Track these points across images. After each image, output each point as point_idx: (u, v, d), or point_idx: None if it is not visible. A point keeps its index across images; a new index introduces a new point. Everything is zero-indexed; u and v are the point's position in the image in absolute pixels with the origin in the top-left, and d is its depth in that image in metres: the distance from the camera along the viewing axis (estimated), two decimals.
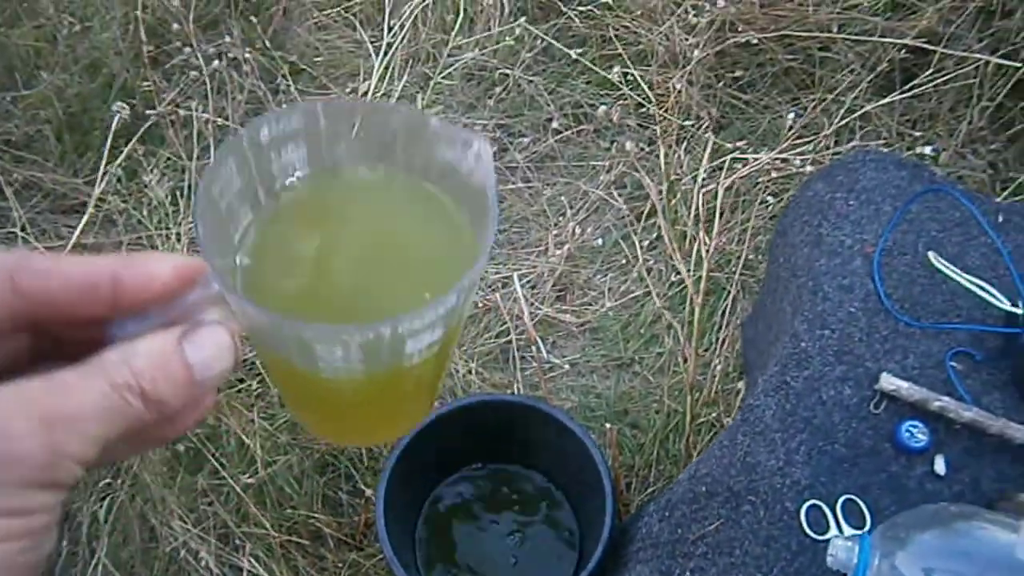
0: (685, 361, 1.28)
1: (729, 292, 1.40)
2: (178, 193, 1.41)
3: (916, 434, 0.80)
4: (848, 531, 0.77)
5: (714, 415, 1.27)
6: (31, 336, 0.28)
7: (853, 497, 0.79)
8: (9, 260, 0.27)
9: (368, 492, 1.17)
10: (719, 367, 1.29)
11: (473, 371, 1.30)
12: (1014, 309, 0.82)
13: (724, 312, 1.39)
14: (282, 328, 0.27)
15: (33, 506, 0.24)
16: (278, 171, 0.31)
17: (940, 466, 0.80)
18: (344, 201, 0.33)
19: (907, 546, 0.68)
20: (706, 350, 1.34)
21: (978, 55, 1.42)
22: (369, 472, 1.23)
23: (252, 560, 1.11)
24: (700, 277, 1.14)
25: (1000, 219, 0.97)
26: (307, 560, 1.15)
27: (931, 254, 0.90)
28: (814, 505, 0.79)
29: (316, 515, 1.16)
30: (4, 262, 0.27)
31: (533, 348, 1.26)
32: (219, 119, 1.51)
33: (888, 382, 0.82)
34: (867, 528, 0.77)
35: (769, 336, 1.13)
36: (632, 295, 1.40)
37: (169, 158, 1.50)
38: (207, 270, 0.27)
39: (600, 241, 1.45)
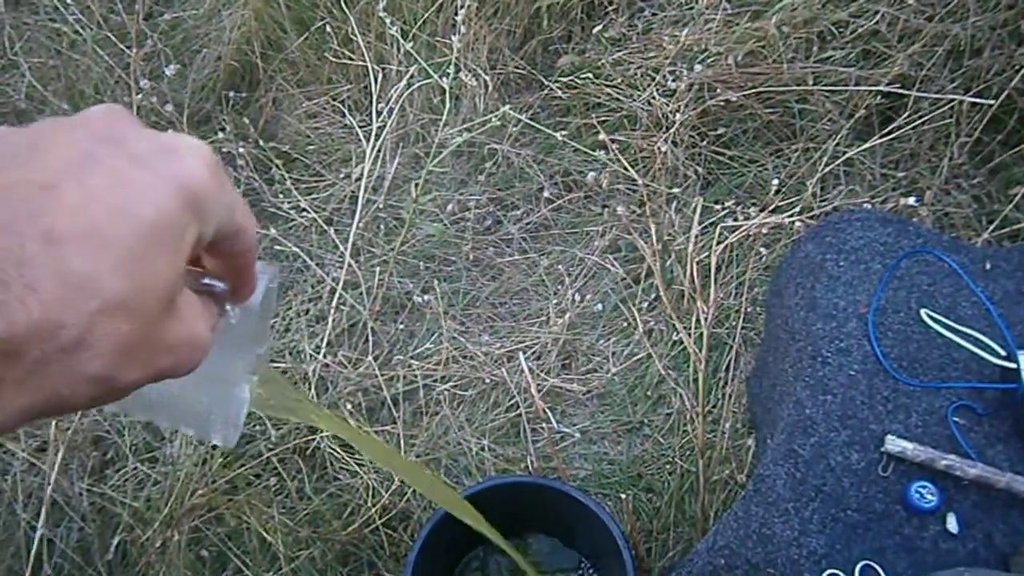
0: (693, 421, 1.30)
1: (731, 347, 1.42)
2: None
3: (926, 494, 0.81)
4: None
5: (727, 472, 1.29)
6: None
7: (870, 563, 0.80)
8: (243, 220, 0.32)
9: None
10: (728, 423, 1.30)
11: (486, 447, 1.32)
12: (1008, 364, 0.84)
13: (728, 367, 1.41)
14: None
15: None
16: None
17: (952, 524, 0.81)
18: None
19: None
20: (713, 407, 1.36)
21: (952, 95, 1.46)
22: (392, 559, 1.23)
23: None
24: (701, 335, 1.16)
25: (988, 267, 0.99)
26: None
27: (923, 312, 0.92)
28: (833, 574, 0.80)
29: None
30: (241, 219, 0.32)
31: (542, 420, 1.28)
32: None
33: (893, 444, 0.84)
34: None
35: (774, 395, 1.14)
36: (636, 358, 1.42)
37: None
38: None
39: (600, 306, 1.47)
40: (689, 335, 1.37)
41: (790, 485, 0.86)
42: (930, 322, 0.91)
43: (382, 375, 1.37)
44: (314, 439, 1.31)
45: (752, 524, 0.87)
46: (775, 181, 1.42)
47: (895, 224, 1.04)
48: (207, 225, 0.29)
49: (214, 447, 1.26)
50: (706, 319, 1.14)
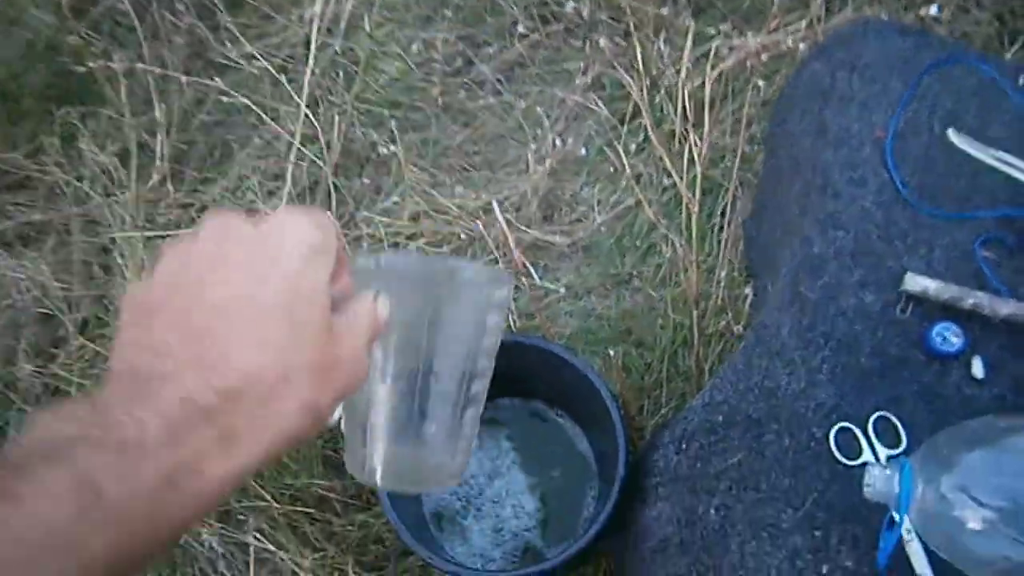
0: (686, 271, 1.20)
1: (727, 189, 1.31)
2: (121, 158, 1.31)
3: (949, 337, 0.72)
4: (883, 453, 0.70)
5: (723, 324, 1.20)
6: None
7: (885, 413, 0.72)
8: (339, 245, 0.36)
9: None
10: (723, 272, 1.21)
11: None
12: None
13: (724, 212, 1.30)
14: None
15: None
16: None
17: (978, 369, 0.72)
18: None
19: (953, 469, 0.61)
20: (708, 255, 1.26)
21: None
22: None
23: (257, 536, 1.06)
24: (695, 177, 1.04)
25: (1021, 82, 0.87)
26: (315, 527, 1.10)
27: (950, 131, 0.80)
28: (843, 428, 0.72)
29: (318, 480, 1.10)
30: (339, 245, 0.36)
31: (523, 275, 1.18)
32: (158, 68, 1.39)
33: (914, 283, 0.74)
34: (903, 448, 0.70)
35: (775, 237, 1.04)
36: (624, 205, 1.31)
37: (110, 118, 1.38)
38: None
39: (584, 151, 1.35)
40: (681, 178, 1.26)
41: (796, 332, 0.77)
42: (957, 143, 0.80)
43: (347, 234, 1.26)
44: None
45: (753, 376, 0.78)
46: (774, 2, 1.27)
47: (915, 35, 0.90)
48: (330, 263, 0.35)
49: None
50: (699, 155, 1.02)
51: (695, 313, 1.10)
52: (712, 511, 0.77)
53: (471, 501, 1.08)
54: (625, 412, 1.03)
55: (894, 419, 0.72)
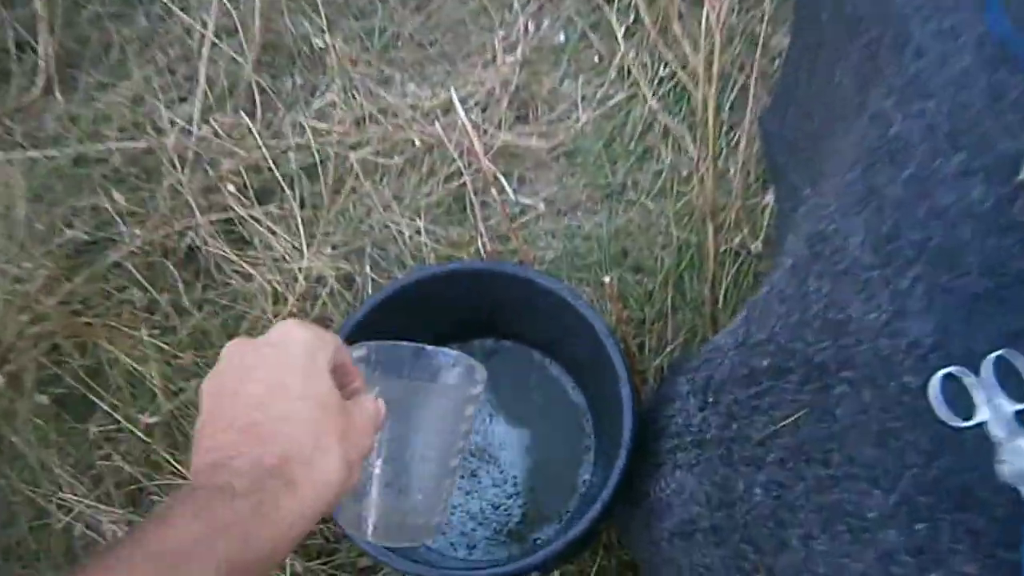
0: (694, 176, 0.98)
1: (736, 81, 1.08)
2: None
3: None
4: (1010, 408, 0.50)
5: (737, 240, 0.99)
6: None
7: (1008, 354, 0.51)
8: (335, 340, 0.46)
9: None
10: (737, 179, 0.99)
11: (422, 231, 1.00)
12: None
13: (733, 107, 1.07)
14: None
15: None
16: None
17: None
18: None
19: None
20: (716, 158, 1.03)
21: None
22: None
23: None
24: (712, 53, 0.81)
25: None
26: None
27: None
28: (950, 375, 0.51)
29: None
30: (334, 340, 0.45)
31: (494, 188, 0.95)
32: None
33: None
34: None
35: (809, 127, 0.83)
36: (613, 101, 1.08)
37: None
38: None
39: (562, 37, 1.11)
40: (684, 65, 1.02)
41: (872, 242, 0.56)
42: None
43: (274, 144, 1.02)
44: (187, 234, 0.98)
45: (812, 306, 0.57)
46: None
47: None
48: (329, 352, 0.44)
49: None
50: (719, 23, 0.79)
51: (711, 226, 0.88)
52: (758, 490, 0.57)
53: None
54: (625, 352, 0.82)
55: (1021, 359, 0.51)
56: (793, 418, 0.56)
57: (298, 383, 0.42)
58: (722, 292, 0.96)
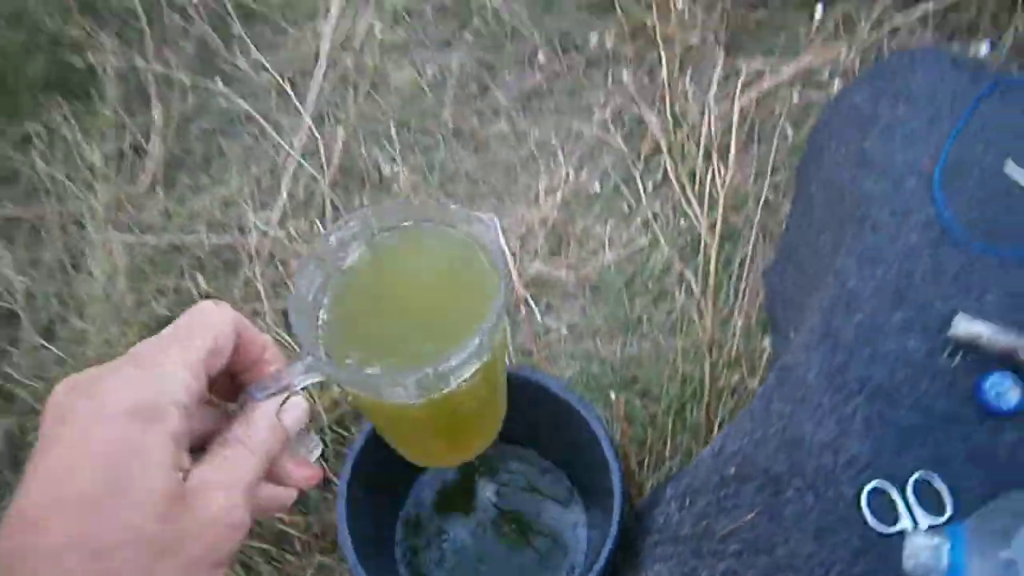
0: (701, 318, 1.10)
1: (747, 238, 1.22)
2: (113, 156, 1.24)
3: (1005, 391, 0.62)
4: (925, 520, 0.60)
5: (736, 378, 1.10)
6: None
7: (927, 475, 0.62)
8: (237, 317, 0.35)
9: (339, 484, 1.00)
10: (740, 323, 1.11)
11: None
12: None
13: (742, 261, 1.21)
14: (353, 375, 0.36)
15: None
16: (344, 258, 0.39)
17: None
18: (394, 267, 0.40)
19: (1012, 542, 0.51)
20: (724, 306, 1.16)
21: None
22: (341, 459, 1.06)
23: None
24: (716, 218, 0.96)
25: None
26: (271, 567, 0.98)
27: (1008, 164, 0.72)
28: (878, 488, 0.62)
29: (278, 514, 0.99)
30: (234, 318, 0.35)
31: (523, 309, 1.09)
32: (160, 67, 1.33)
33: (964, 327, 0.64)
34: (948, 515, 0.60)
35: (802, 282, 0.95)
36: (637, 245, 1.22)
37: (106, 115, 1.32)
38: (303, 351, 0.34)
39: (597, 186, 1.27)
40: (700, 221, 1.17)
41: (826, 375, 0.67)
42: (1016, 177, 0.71)
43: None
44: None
45: (773, 424, 0.68)
46: (815, 28, 1.20)
47: (969, 69, 0.82)
48: (169, 422, 0.30)
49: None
50: (723, 187, 0.94)
51: (708, 360, 1.00)
52: None
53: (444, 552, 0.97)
54: (625, 465, 0.92)
55: (938, 482, 0.61)
56: (749, 516, 0.66)
57: (96, 476, 0.28)
58: (718, 423, 1.06)
